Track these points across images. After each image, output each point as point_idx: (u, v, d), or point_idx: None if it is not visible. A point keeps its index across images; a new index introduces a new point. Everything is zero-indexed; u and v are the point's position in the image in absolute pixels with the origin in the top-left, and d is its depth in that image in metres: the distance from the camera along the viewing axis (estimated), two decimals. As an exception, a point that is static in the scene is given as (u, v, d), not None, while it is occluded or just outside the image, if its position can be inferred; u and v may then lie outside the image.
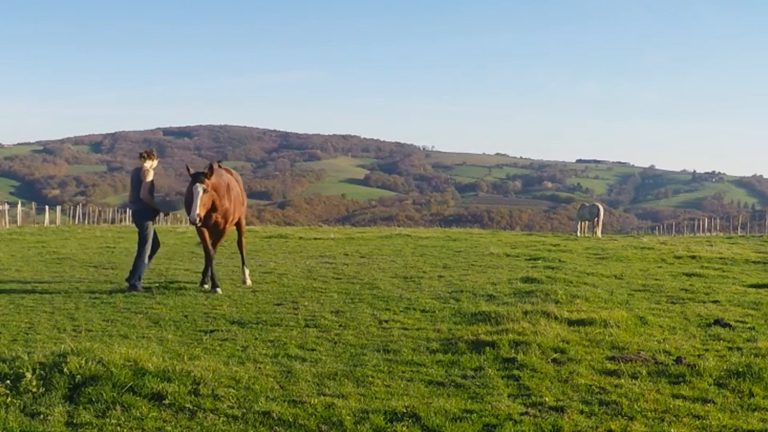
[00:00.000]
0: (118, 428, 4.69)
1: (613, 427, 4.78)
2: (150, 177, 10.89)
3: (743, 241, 24.58)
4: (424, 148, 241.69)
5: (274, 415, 4.91)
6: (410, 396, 5.37)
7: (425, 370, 6.09)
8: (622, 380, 5.79)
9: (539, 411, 5.06)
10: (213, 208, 10.52)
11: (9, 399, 5.06)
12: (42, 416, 4.82)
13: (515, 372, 5.98)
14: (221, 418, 4.88)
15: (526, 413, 4.99)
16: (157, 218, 11.30)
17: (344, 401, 5.18)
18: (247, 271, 11.54)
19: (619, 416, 4.99)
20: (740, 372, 5.89)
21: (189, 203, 10.36)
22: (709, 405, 5.24)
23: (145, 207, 10.91)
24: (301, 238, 22.49)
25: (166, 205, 12.59)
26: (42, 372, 5.38)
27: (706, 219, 52.02)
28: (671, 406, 5.18)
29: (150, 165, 11.03)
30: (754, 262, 15.18)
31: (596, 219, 30.23)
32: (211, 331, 7.60)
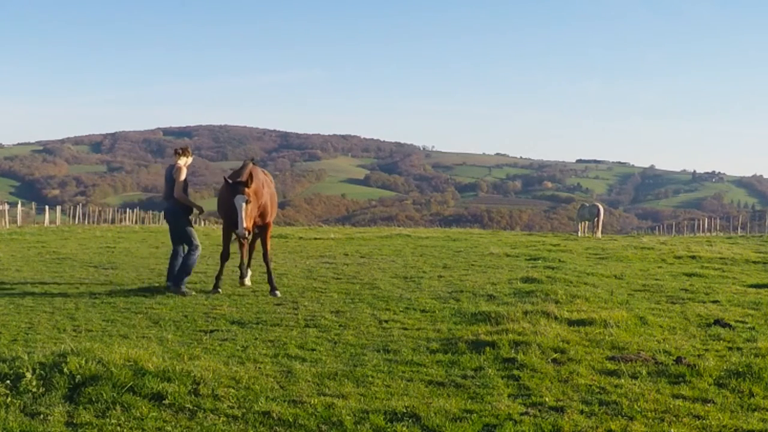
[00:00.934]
0: (118, 428, 4.69)
1: (613, 427, 4.78)
2: (184, 174, 10.59)
3: (743, 241, 24.57)
4: (424, 148, 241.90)
5: (274, 415, 4.91)
6: (410, 396, 5.37)
7: (425, 370, 6.09)
8: (622, 380, 5.79)
9: (539, 411, 5.06)
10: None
11: (9, 399, 5.06)
12: (42, 416, 4.82)
13: (515, 372, 5.98)
14: (221, 418, 4.88)
15: (526, 413, 4.99)
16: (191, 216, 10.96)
17: (344, 401, 5.18)
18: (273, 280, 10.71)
19: (619, 416, 4.99)
20: (740, 372, 5.88)
21: (227, 211, 10.11)
22: (709, 405, 5.24)
23: (178, 205, 10.59)
24: (301, 238, 22.49)
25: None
26: (42, 372, 5.38)
27: (706, 219, 52.03)
28: (671, 406, 5.18)
29: (184, 162, 10.72)
30: (754, 262, 15.16)
31: (596, 219, 30.22)
32: (211, 331, 7.60)
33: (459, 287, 10.87)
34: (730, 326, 7.87)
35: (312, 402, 5.15)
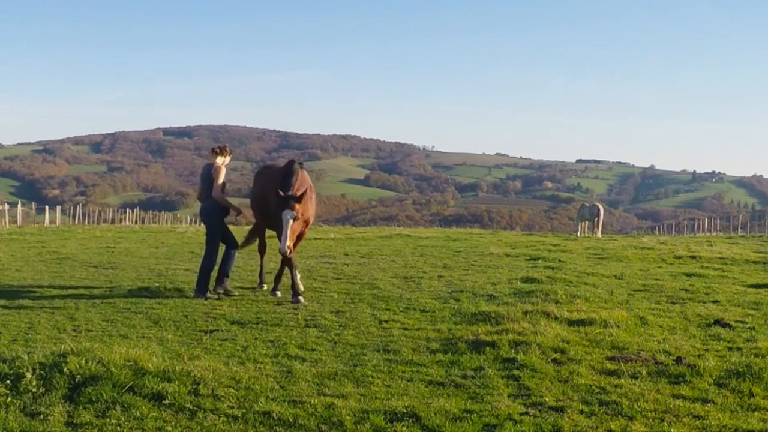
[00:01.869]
0: (118, 428, 4.69)
1: (613, 427, 4.78)
2: (223, 174, 10.29)
3: (743, 241, 24.57)
4: (424, 148, 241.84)
5: (274, 415, 4.91)
6: (410, 396, 5.37)
7: (425, 370, 6.09)
8: (622, 380, 5.79)
9: (539, 411, 5.06)
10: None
11: (9, 399, 5.05)
12: (42, 416, 4.81)
13: (515, 372, 5.98)
14: (221, 418, 4.88)
15: (526, 413, 4.99)
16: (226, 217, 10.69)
17: (344, 401, 5.18)
18: (265, 286, 10.75)
19: (619, 416, 4.99)
20: (740, 372, 5.88)
21: (270, 217, 9.93)
22: (709, 405, 5.24)
23: (215, 205, 10.29)
24: (301, 238, 22.44)
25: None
26: (42, 372, 5.38)
27: (706, 219, 51.99)
28: (671, 406, 5.18)
29: (222, 161, 10.38)
30: (754, 262, 15.16)
31: (596, 219, 30.22)
32: (211, 331, 7.60)
33: (459, 287, 10.87)
34: (730, 326, 7.87)
35: (312, 402, 5.15)
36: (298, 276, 10.15)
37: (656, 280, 12.10)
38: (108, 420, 4.78)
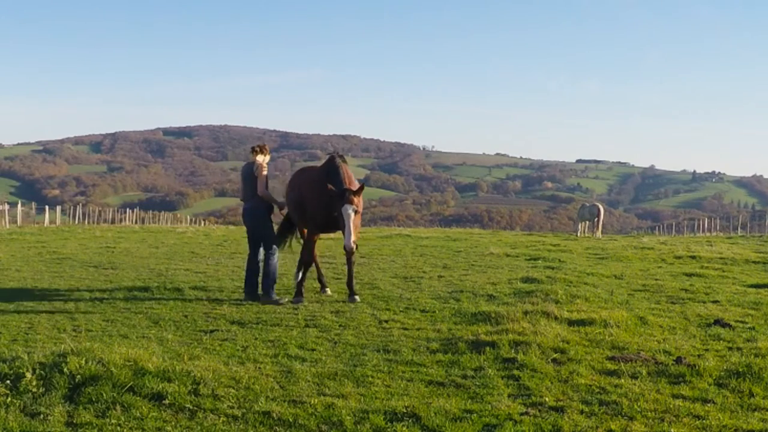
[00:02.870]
0: (118, 428, 4.69)
1: (613, 427, 4.78)
2: (265, 172, 10.12)
3: (743, 241, 24.56)
4: (424, 148, 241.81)
5: (274, 415, 4.91)
6: (410, 396, 5.37)
7: (425, 370, 6.09)
8: (622, 380, 5.78)
9: (539, 411, 5.06)
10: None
11: (9, 399, 5.06)
12: (42, 416, 4.82)
13: (515, 372, 5.98)
14: (221, 418, 4.88)
15: (526, 413, 4.99)
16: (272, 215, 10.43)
17: (344, 401, 5.18)
18: (328, 290, 10.50)
19: (619, 416, 4.99)
20: (740, 372, 5.88)
21: (323, 217, 9.65)
22: (709, 405, 5.24)
23: (261, 204, 10.05)
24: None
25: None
26: (42, 372, 5.38)
27: (706, 219, 51.99)
28: (671, 406, 5.18)
29: (263, 160, 10.21)
30: (754, 262, 15.16)
31: (596, 219, 30.22)
32: (211, 331, 7.60)
33: (459, 287, 10.87)
34: (730, 326, 7.87)
35: (312, 402, 5.15)
36: (305, 277, 10.08)
37: (656, 280, 12.09)
38: (108, 420, 4.78)
